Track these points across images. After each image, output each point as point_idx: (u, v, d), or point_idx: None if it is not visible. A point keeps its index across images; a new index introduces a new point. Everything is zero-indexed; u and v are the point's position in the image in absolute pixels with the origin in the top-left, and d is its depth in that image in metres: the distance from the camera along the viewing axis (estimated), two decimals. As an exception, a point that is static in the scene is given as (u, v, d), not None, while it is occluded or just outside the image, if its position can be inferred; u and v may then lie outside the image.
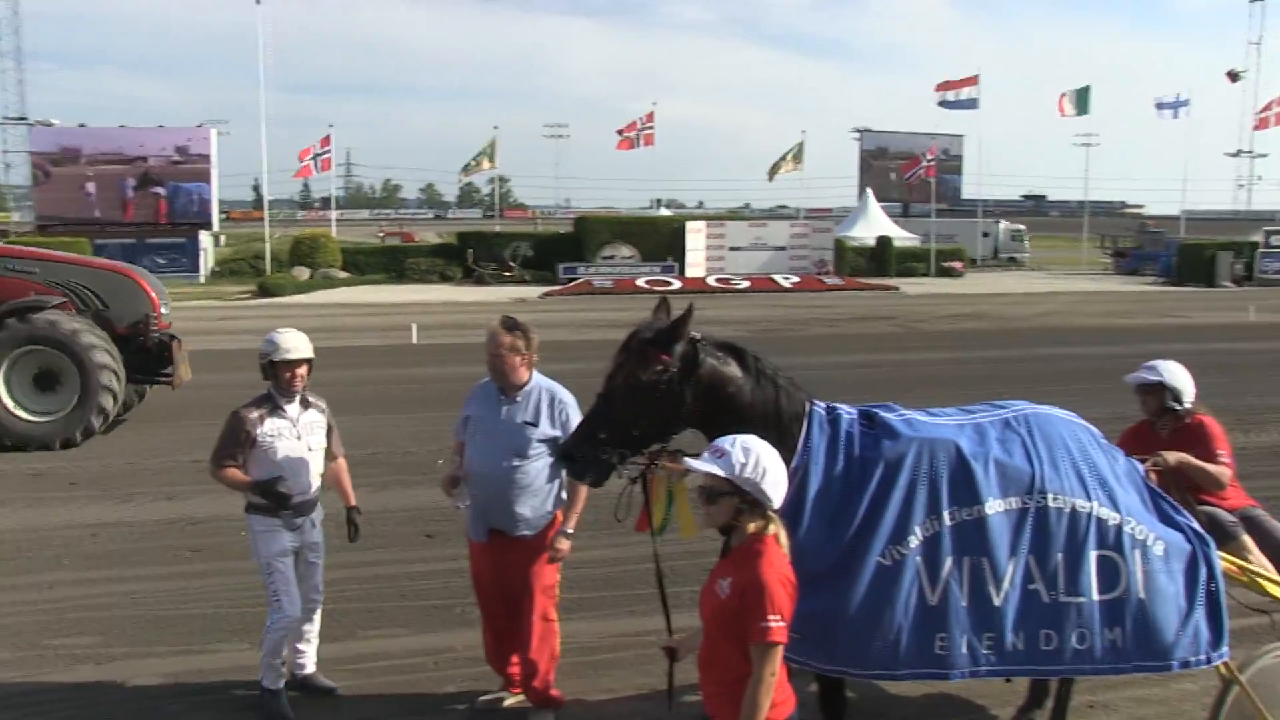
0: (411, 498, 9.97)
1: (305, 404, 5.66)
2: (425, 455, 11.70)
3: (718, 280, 39.47)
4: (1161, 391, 5.63)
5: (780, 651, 3.35)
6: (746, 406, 4.34)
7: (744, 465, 3.42)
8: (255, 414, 5.52)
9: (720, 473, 3.42)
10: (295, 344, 5.52)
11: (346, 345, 21.87)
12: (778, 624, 3.30)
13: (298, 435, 5.58)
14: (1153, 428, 5.78)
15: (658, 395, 4.23)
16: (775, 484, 3.46)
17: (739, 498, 3.43)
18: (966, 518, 4.31)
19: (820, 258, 43.17)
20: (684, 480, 4.69)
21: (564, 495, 5.51)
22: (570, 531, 5.48)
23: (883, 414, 4.59)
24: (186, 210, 41.18)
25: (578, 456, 4.36)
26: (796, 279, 40.25)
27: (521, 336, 5.34)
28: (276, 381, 5.56)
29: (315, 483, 5.70)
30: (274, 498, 5.42)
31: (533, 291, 36.56)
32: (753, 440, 3.54)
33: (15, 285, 12.84)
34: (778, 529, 3.50)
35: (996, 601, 4.29)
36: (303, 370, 5.56)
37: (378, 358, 20.02)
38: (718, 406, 4.32)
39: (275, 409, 5.56)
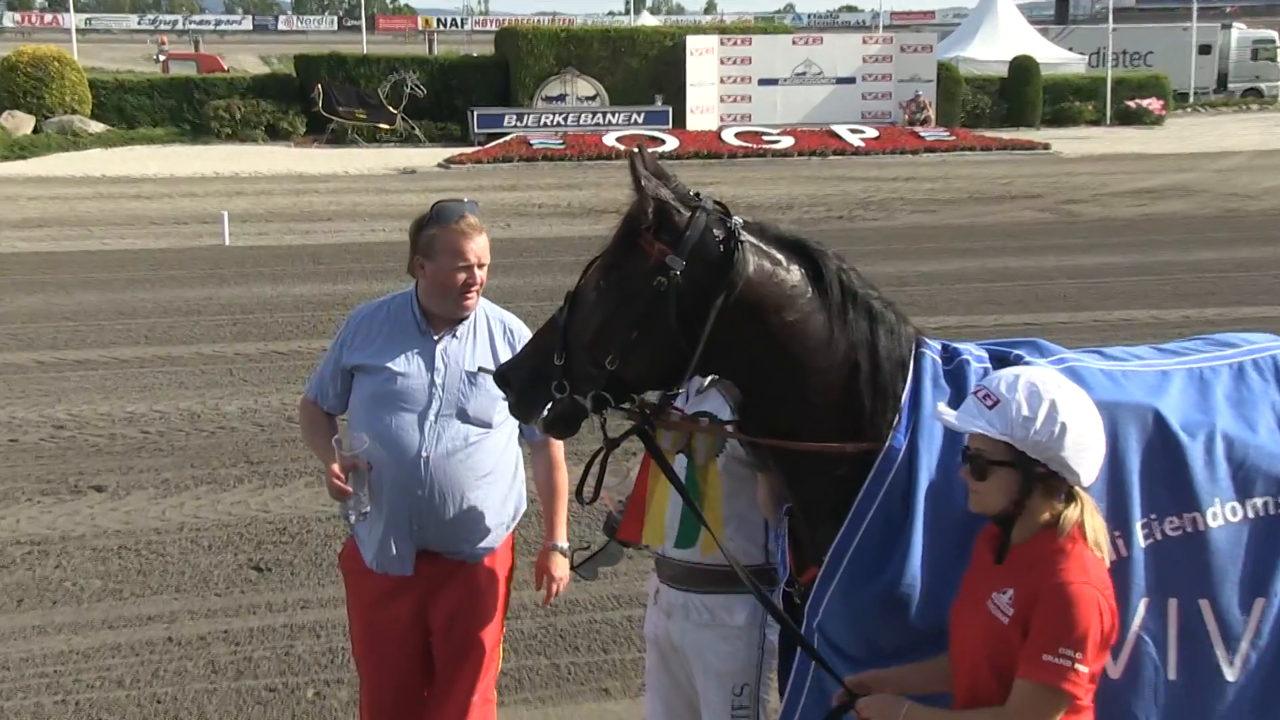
0: (229, 506, 9.98)
1: None
2: (251, 435, 11.73)
3: (739, 136, 39.47)
4: None
5: (1064, 706, 3.53)
6: (818, 346, 4.18)
7: (1029, 420, 3.54)
8: None
9: (993, 433, 3.56)
10: None
11: (108, 250, 21.84)
12: (1072, 663, 3.48)
13: None
14: None
15: (649, 311, 4.10)
16: (1082, 447, 3.61)
17: (1023, 471, 3.57)
18: (1172, 533, 4.25)
19: (915, 95, 43.25)
20: (714, 453, 4.51)
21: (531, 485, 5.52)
22: (565, 547, 5.47)
23: (1029, 358, 4.49)
24: None
25: (514, 381, 4.27)
26: (873, 133, 40.35)
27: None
28: None
29: None
30: None
31: (427, 156, 36.49)
32: (1044, 378, 3.68)
33: None
34: (1087, 515, 3.66)
35: (1230, 675, 4.25)
36: None
37: (165, 271, 19.91)
38: (765, 342, 4.17)
39: None
